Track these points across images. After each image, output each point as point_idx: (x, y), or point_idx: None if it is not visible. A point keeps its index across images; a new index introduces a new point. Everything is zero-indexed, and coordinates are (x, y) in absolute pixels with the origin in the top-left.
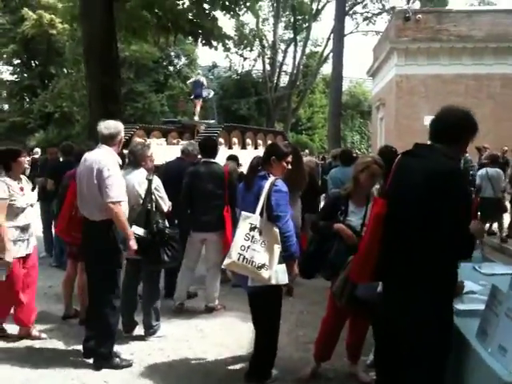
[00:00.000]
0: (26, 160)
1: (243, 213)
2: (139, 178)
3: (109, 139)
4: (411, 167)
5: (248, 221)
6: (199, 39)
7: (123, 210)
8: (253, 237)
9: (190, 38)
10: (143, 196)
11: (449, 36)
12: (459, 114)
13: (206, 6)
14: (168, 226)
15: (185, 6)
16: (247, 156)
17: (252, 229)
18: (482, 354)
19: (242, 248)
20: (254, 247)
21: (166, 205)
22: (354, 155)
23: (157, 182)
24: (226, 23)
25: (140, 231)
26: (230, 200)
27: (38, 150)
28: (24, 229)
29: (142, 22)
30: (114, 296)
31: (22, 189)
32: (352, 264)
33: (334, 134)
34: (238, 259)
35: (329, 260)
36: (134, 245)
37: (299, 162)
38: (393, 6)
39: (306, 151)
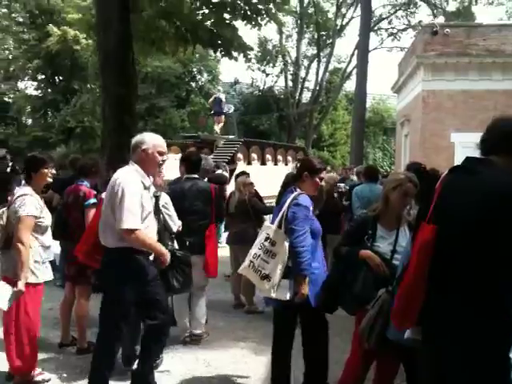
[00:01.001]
0: (49, 172)
1: (265, 223)
2: None
3: (131, 152)
4: (463, 186)
5: (265, 231)
6: (218, 50)
7: (144, 237)
8: (265, 247)
9: (209, 49)
10: None
11: (478, 51)
12: None
13: (226, 15)
14: (177, 248)
15: (204, 15)
16: (267, 172)
17: (266, 239)
18: None
19: (254, 256)
20: (263, 257)
21: (175, 224)
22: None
23: (165, 198)
24: (248, 39)
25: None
26: (217, 219)
27: None
28: (48, 248)
29: (160, 32)
30: (113, 340)
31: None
32: (394, 306)
33: (357, 150)
34: (249, 266)
35: (354, 293)
36: (167, 260)
37: None
38: (420, 20)
39: (328, 168)
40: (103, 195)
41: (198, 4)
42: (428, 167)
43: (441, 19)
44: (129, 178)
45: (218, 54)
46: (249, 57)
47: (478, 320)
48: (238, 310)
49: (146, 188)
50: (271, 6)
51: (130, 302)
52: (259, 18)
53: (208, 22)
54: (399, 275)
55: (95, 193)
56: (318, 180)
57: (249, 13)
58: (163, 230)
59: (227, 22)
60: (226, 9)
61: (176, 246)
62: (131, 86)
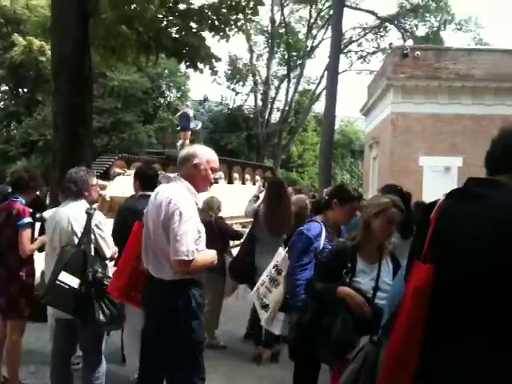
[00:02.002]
0: None
1: (279, 249)
2: (76, 212)
3: (178, 165)
4: (468, 213)
5: (276, 257)
6: (183, 60)
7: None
8: (271, 274)
9: (173, 58)
10: (79, 234)
11: (448, 74)
12: None
13: (193, 24)
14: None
15: (169, 22)
16: (234, 191)
17: (274, 266)
18: None
19: (261, 283)
20: (268, 285)
21: (109, 248)
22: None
23: (99, 217)
24: (218, 56)
25: (70, 280)
26: None
27: None
28: None
29: (121, 39)
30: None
31: None
32: (381, 368)
33: (325, 171)
34: (256, 291)
35: (332, 339)
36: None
37: (283, 199)
38: (390, 42)
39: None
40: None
41: (162, 12)
42: None
43: (410, 42)
44: (184, 199)
45: (183, 65)
46: (215, 69)
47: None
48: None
49: (197, 209)
50: (240, 16)
51: (199, 341)
52: (227, 29)
53: (173, 29)
54: (386, 323)
55: (31, 211)
56: (350, 210)
57: (216, 23)
58: (94, 254)
59: (194, 31)
60: (192, 18)
61: (109, 273)
62: (86, 94)
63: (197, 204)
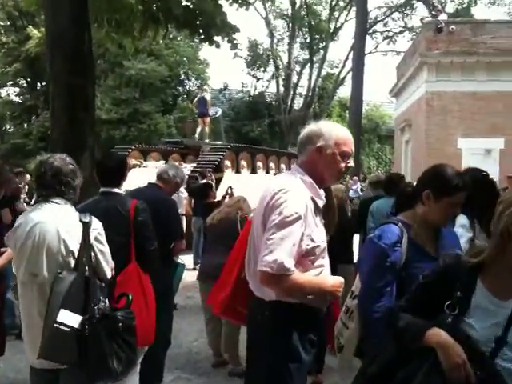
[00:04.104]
0: None
1: None
2: (67, 222)
3: (299, 151)
4: None
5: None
6: (197, 32)
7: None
8: (346, 303)
9: (185, 30)
10: (76, 253)
11: (486, 49)
12: None
13: None
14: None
15: None
16: (258, 181)
17: (351, 291)
18: None
19: (341, 315)
20: (343, 318)
21: (108, 266)
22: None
23: (97, 225)
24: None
25: (71, 320)
26: (139, 255)
27: None
28: None
29: (126, 11)
30: None
31: None
32: None
33: (354, 157)
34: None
35: None
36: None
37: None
38: (422, 17)
39: None
40: None
41: None
42: None
43: (444, 16)
44: (294, 194)
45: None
46: (234, 42)
47: None
48: (221, 369)
49: (317, 210)
50: None
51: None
52: None
53: None
54: None
55: None
56: (447, 205)
57: None
58: (93, 277)
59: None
60: None
61: (107, 302)
62: (87, 75)
63: (315, 202)
